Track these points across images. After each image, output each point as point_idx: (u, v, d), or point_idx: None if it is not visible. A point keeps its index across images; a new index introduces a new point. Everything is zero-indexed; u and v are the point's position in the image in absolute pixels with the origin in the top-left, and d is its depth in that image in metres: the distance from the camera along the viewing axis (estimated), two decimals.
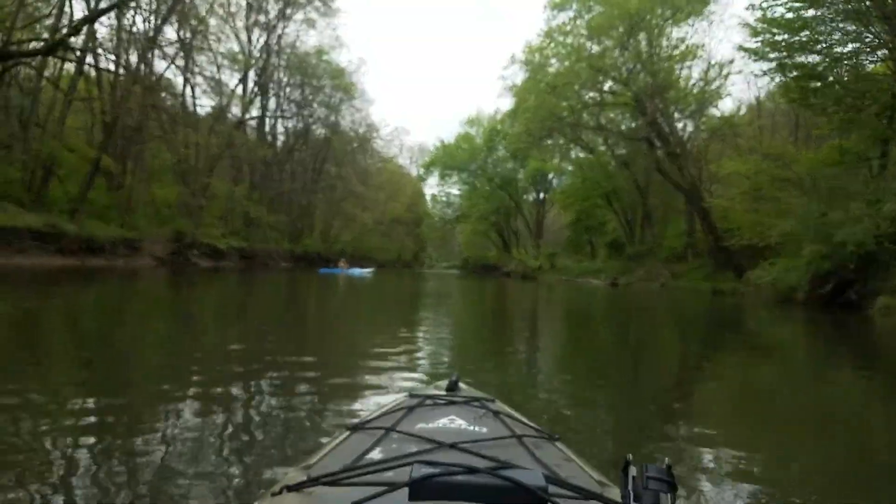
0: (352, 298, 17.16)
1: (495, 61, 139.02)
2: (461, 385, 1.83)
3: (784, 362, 7.92)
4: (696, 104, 29.69)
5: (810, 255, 15.43)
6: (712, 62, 28.86)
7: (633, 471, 0.74)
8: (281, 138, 50.94)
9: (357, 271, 34.55)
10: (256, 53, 40.64)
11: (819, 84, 18.20)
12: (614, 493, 1.06)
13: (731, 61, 28.66)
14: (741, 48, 20.20)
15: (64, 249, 20.36)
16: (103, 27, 25.71)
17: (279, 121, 49.66)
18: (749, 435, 3.86)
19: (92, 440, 2.89)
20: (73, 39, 21.29)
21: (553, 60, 33.12)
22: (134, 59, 27.18)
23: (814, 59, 18.12)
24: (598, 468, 1.32)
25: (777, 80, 20.41)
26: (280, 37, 42.22)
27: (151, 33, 25.13)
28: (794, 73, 18.49)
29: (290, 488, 1.03)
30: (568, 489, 0.96)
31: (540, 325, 12.36)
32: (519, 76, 39.90)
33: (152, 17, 25.69)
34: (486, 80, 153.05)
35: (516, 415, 1.58)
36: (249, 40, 41.40)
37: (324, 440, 2.17)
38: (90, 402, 3.69)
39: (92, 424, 3.20)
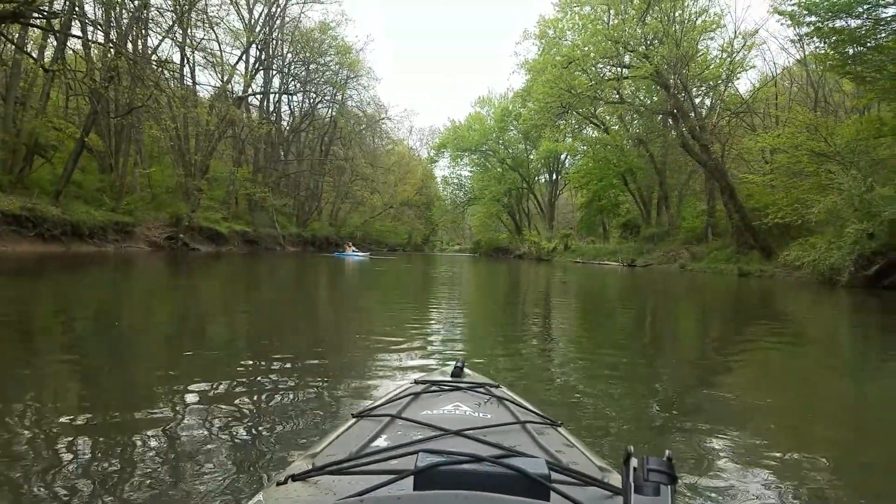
0: (360, 284, 16.38)
1: (506, 43, 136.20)
2: (466, 371, 1.84)
3: (824, 350, 7.14)
4: (717, 78, 27.99)
5: (856, 234, 13.93)
6: (737, 31, 27.11)
7: (634, 462, 0.74)
8: (286, 118, 49.64)
9: (355, 256, 34.41)
10: (258, 28, 39.06)
11: (859, 50, 16.55)
12: (615, 479, 1.08)
13: (755, 31, 27.01)
14: (775, 11, 18.50)
15: (45, 235, 19.14)
16: None
17: (284, 100, 48.33)
18: (774, 432, 3.47)
19: (92, 433, 2.82)
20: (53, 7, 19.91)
21: (569, 34, 31.45)
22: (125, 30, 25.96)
23: (854, 22, 16.48)
24: (600, 453, 1.32)
25: (812, 46, 18.73)
26: (283, 8, 40.59)
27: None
28: (833, 38, 16.81)
29: (294, 477, 1.01)
30: (570, 476, 0.97)
31: (558, 310, 11.48)
32: (532, 52, 38.32)
33: None
34: (497, 62, 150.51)
35: (520, 400, 1.58)
36: (250, 10, 39.89)
37: (330, 427, 2.18)
38: (89, 395, 3.68)
39: (91, 418, 3.11)
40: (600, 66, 29.59)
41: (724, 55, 27.49)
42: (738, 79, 29.28)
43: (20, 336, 5.71)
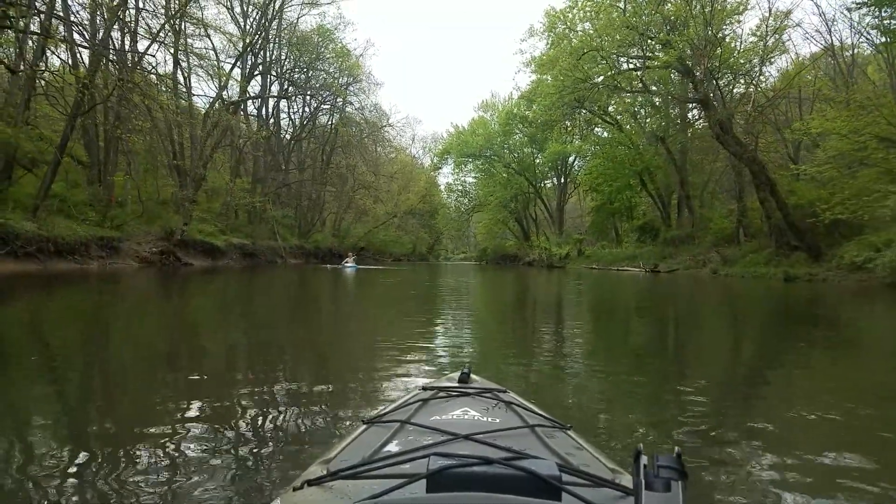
0: (364, 295, 14.96)
1: (508, 49, 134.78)
2: (473, 377, 1.83)
3: None
4: (748, 63, 26.10)
5: None
6: (771, 11, 25.10)
7: (644, 460, 0.75)
8: (286, 127, 48.00)
9: (348, 267, 32.60)
10: (252, 29, 37.36)
11: None
12: (626, 480, 1.07)
13: (789, 12, 25.15)
14: None
15: (18, 252, 17.08)
16: (76, 2, 22.73)
17: (283, 108, 46.71)
18: (815, 457, 2.76)
19: (95, 449, 2.71)
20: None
21: (580, 25, 29.54)
22: (115, 35, 24.30)
23: None
24: (611, 456, 1.31)
25: (870, 17, 16.80)
26: (279, 11, 38.90)
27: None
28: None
29: (310, 482, 1.04)
30: (581, 477, 0.98)
31: (578, 321, 10.20)
32: (539, 48, 36.50)
33: None
34: (499, 69, 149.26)
35: (528, 405, 1.58)
36: (245, 17, 38.28)
37: (341, 433, 2.36)
38: (92, 411, 3.58)
39: (91, 437, 2.95)
40: (614, 55, 27.67)
41: (757, 38, 25.51)
42: (772, 62, 27.38)
43: None
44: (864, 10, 15.68)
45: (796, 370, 5.42)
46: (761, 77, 26.68)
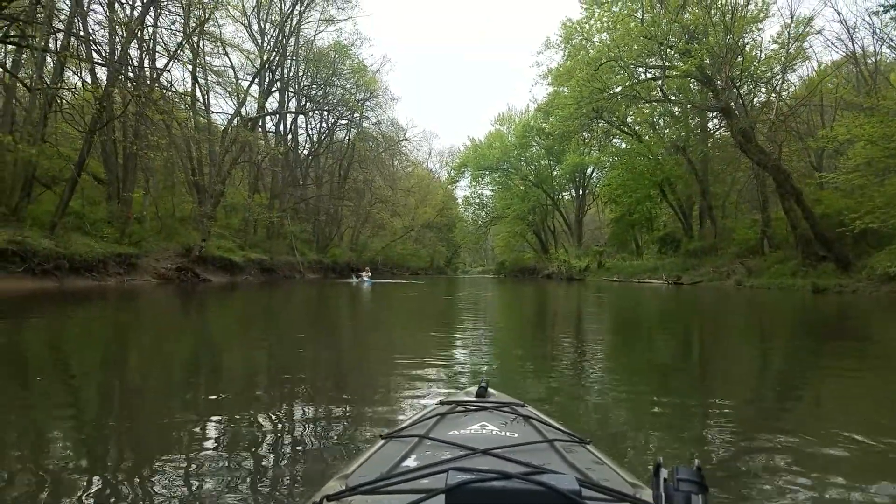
0: (382, 309, 14.71)
1: (524, 62, 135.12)
2: (490, 391, 1.82)
3: None
4: (770, 70, 25.62)
5: None
6: (793, 17, 24.63)
7: (664, 473, 0.75)
8: (303, 142, 48.28)
9: (365, 281, 32.61)
10: (270, 46, 37.63)
11: None
12: (646, 494, 1.06)
13: (810, 18, 24.66)
14: None
15: (35, 270, 17.05)
16: (94, 21, 23.00)
17: (301, 124, 46.97)
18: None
19: (120, 461, 2.84)
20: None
21: (597, 35, 29.28)
22: (133, 53, 24.52)
23: None
24: (631, 470, 1.29)
25: (893, 23, 16.34)
26: (296, 28, 39.24)
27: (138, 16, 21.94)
28: None
29: (329, 498, 1.04)
30: (601, 492, 0.97)
31: (602, 335, 9.71)
32: (556, 60, 36.33)
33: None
34: (515, 82, 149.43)
35: (547, 419, 1.58)
36: (262, 31, 38.62)
37: (359, 448, 2.42)
38: (110, 428, 3.57)
39: (117, 447, 3.11)
40: (633, 65, 27.33)
41: (779, 45, 25.03)
42: (794, 70, 26.89)
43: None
44: (888, 15, 15.19)
45: (828, 387, 5.15)
46: (783, 85, 26.10)
